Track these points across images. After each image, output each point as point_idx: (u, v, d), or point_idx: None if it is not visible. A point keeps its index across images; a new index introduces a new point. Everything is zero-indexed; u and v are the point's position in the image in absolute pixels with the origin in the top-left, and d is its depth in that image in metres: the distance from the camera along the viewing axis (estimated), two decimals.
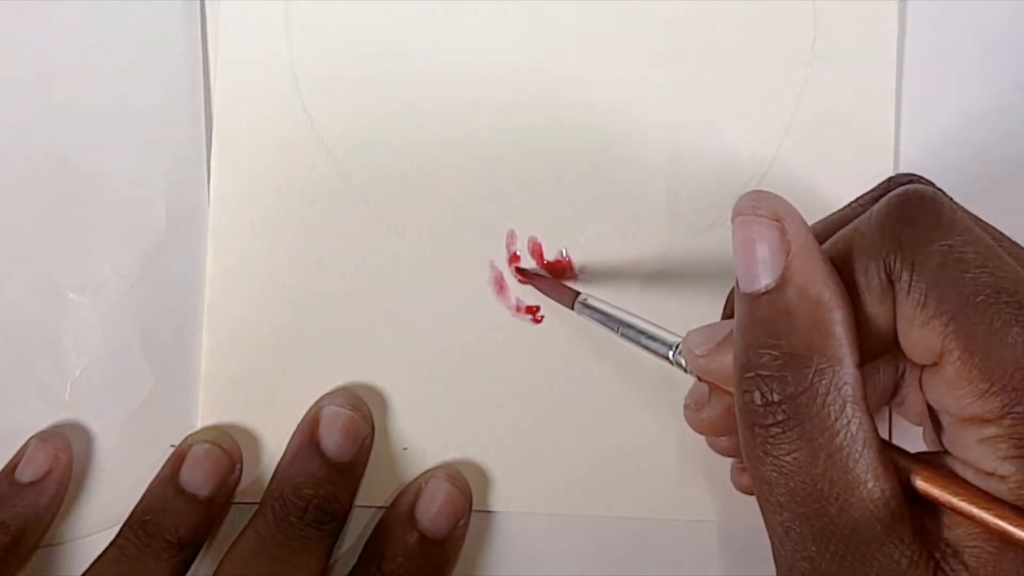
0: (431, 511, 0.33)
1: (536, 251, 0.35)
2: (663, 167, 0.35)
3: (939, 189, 0.25)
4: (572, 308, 0.32)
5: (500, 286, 0.35)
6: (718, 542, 0.34)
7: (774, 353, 0.23)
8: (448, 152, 0.35)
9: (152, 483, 0.33)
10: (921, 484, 0.23)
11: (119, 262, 0.34)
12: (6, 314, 0.34)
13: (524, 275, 0.34)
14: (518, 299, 0.35)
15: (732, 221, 0.24)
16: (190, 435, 0.34)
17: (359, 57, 0.35)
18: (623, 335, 0.30)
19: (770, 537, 0.24)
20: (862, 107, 0.35)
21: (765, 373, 0.23)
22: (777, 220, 0.24)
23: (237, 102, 0.35)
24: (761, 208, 0.24)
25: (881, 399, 0.29)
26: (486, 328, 0.34)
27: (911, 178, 0.28)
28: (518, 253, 0.35)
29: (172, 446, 0.34)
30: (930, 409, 0.25)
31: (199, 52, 0.35)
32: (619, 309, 0.31)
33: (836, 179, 0.34)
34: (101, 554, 0.32)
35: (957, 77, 0.35)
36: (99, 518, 0.34)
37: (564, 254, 0.35)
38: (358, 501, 0.34)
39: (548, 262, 0.35)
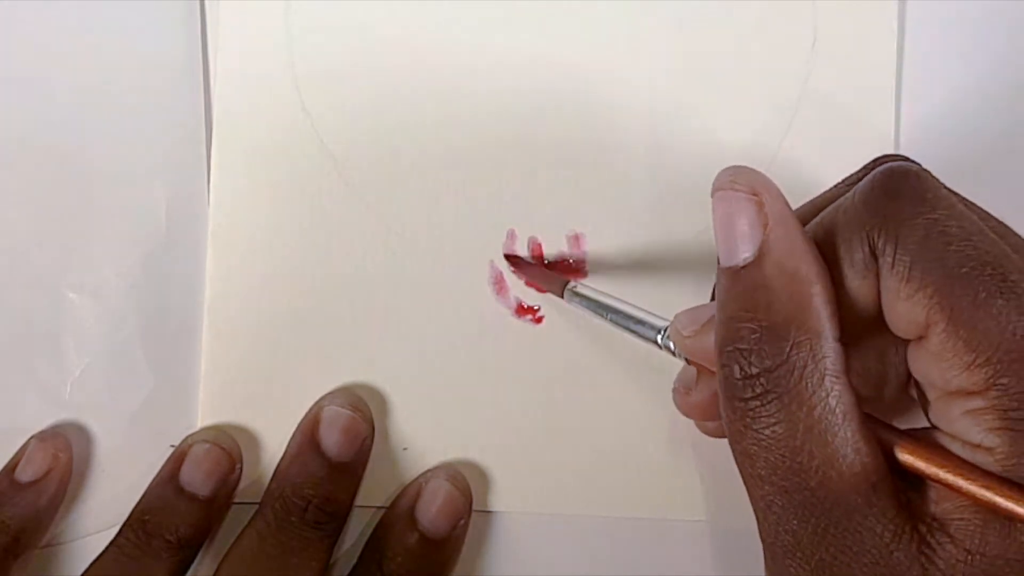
0: (431, 511, 0.33)
1: (536, 251, 0.35)
2: (664, 167, 0.35)
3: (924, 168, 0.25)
4: (562, 296, 0.32)
5: (500, 286, 0.35)
6: (718, 542, 0.34)
7: (752, 326, 0.23)
8: (448, 152, 0.35)
9: (152, 483, 0.33)
10: (905, 457, 0.23)
11: (119, 262, 0.34)
12: (6, 314, 0.34)
13: (515, 264, 0.34)
14: (518, 299, 0.35)
15: (712, 196, 0.24)
16: (190, 435, 0.34)
17: (359, 57, 0.35)
18: (612, 321, 0.30)
19: (754, 512, 0.24)
20: (862, 107, 0.35)
21: (743, 347, 0.23)
22: (755, 194, 0.24)
23: (237, 102, 0.35)
24: (739, 182, 0.24)
25: (869, 388, 0.29)
26: (486, 328, 0.34)
27: (897, 158, 0.27)
28: (518, 253, 0.35)
29: (172, 446, 0.34)
30: (917, 385, 0.25)
31: (199, 52, 0.35)
32: (607, 295, 0.31)
33: (836, 178, 0.34)
34: (101, 554, 0.32)
35: (956, 76, 0.35)
36: (99, 518, 0.34)
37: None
38: (358, 501, 0.34)
39: (549, 261, 0.35)
